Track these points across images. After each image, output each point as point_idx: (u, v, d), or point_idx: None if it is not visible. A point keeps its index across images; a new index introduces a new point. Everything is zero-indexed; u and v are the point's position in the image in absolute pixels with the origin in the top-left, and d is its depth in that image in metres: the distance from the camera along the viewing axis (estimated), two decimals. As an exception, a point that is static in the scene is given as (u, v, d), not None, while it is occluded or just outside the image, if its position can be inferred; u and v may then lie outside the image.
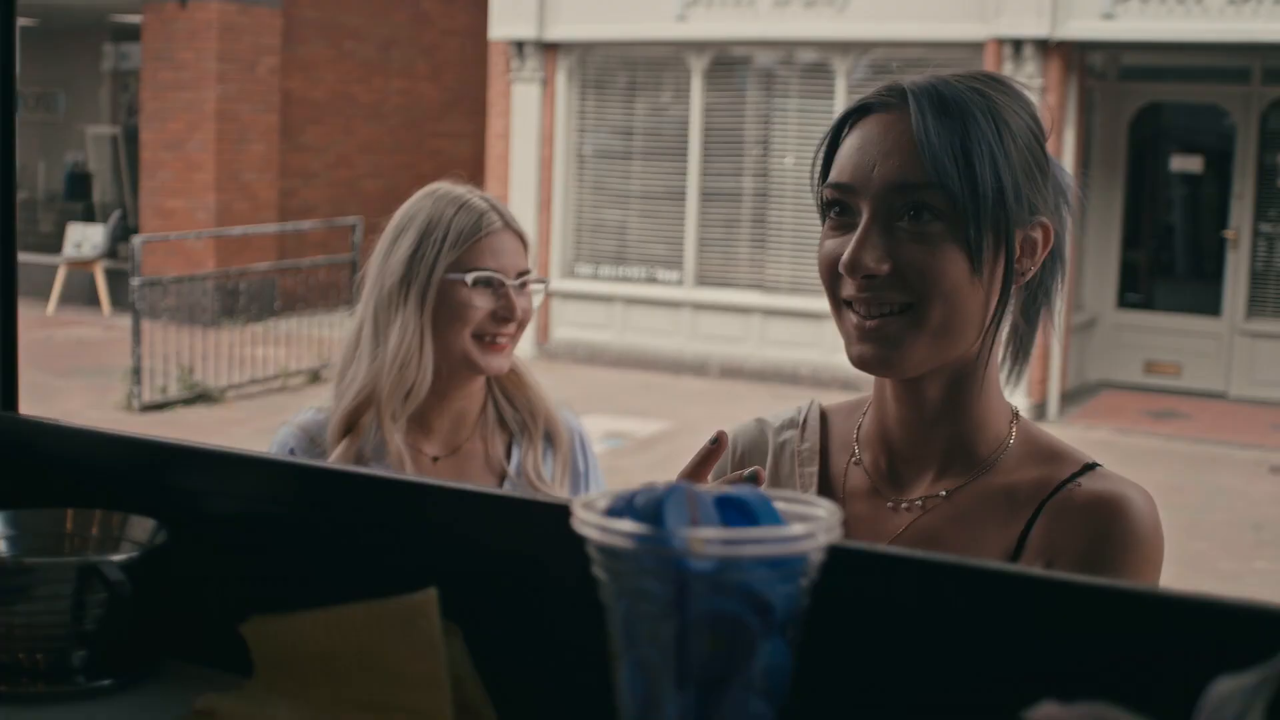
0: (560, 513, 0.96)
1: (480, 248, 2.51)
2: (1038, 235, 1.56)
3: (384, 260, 2.53)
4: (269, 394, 13.30)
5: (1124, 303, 14.72)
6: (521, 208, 15.55)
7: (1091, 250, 14.50)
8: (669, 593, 0.94)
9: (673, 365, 14.81)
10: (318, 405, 2.58)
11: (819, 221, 1.60)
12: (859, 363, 1.53)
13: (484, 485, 2.49)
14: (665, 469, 11.15)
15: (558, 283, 15.50)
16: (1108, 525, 1.51)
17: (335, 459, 2.45)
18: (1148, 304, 14.80)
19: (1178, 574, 8.72)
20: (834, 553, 0.95)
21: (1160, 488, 10.64)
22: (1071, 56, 13.35)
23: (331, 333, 13.99)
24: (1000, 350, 1.61)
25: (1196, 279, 14.79)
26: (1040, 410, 13.32)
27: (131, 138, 18.39)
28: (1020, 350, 1.63)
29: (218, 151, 16.89)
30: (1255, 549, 9.54)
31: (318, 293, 14.86)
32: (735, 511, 0.98)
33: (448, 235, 2.50)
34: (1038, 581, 0.94)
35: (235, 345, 13.57)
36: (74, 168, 19.75)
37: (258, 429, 11.45)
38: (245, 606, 1.24)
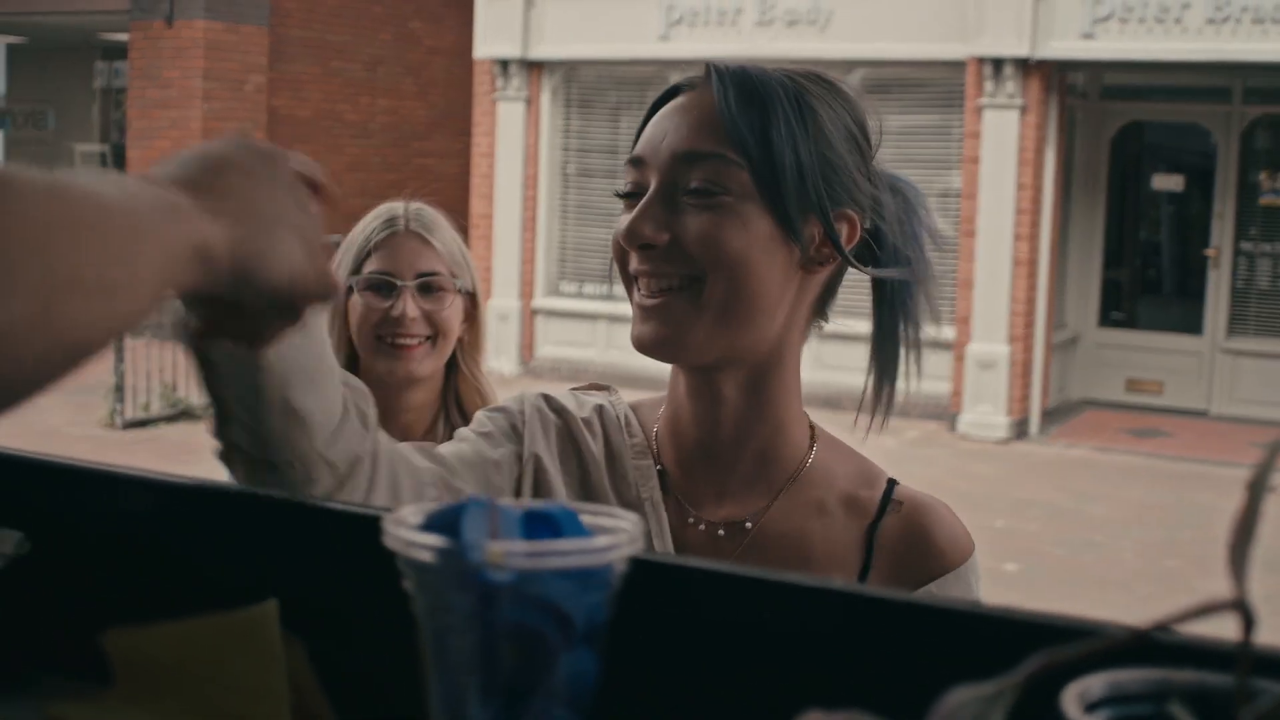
0: (392, 526, 0.98)
1: (378, 252, 2.57)
2: (842, 226, 1.49)
3: None
4: (252, 411, 13.28)
5: (1106, 321, 14.77)
6: (506, 226, 15.58)
7: (1074, 269, 14.55)
8: (470, 605, 0.97)
9: (657, 383, 14.78)
10: None
11: None
12: (639, 345, 1.50)
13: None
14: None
15: (541, 301, 15.54)
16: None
17: None
18: (1130, 322, 14.86)
19: (1153, 591, 8.75)
20: (637, 564, 0.98)
21: (1140, 505, 10.73)
22: (1052, 76, 13.40)
23: (316, 350, 13.97)
24: (802, 354, 1.57)
25: (1179, 297, 14.86)
26: (1022, 427, 13.35)
27: (121, 155, 18.42)
28: (886, 375, 1.59)
29: (204, 169, 16.88)
30: (1231, 567, 9.55)
31: (302, 310, 14.84)
32: (540, 524, 1.01)
33: (355, 244, 2.58)
34: (807, 590, 0.97)
35: (219, 363, 13.57)
36: (63, 185, 19.77)
37: (240, 446, 11.44)
38: (108, 618, 1.27)
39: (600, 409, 1.66)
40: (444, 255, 2.61)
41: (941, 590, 1.52)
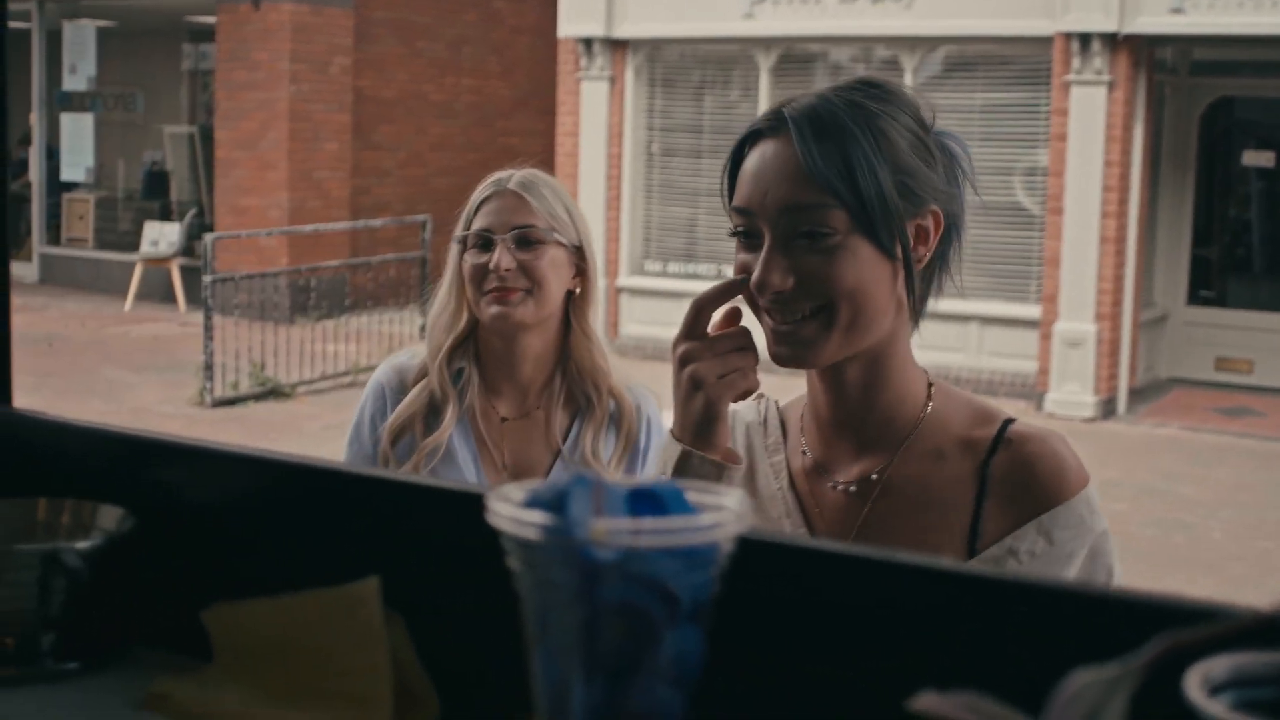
0: (493, 504, 0.98)
1: (481, 211, 2.78)
2: (929, 223, 1.71)
3: None
4: (339, 389, 13.40)
5: (1195, 299, 14.58)
6: (590, 205, 15.59)
7: (1162, 246, 14.38)
8: (575, 582, 0.96)
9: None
10: (413, 350, 2.88)
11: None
12: (777, 360, 1.70)
13: (455, 481, 2.60)
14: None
15: (626, 279, 15.54)
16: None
17: (410, 398, 2.76)
18: (1219, 300, 14.65)
19: (1245, 573, 8.64)
20: (743, 543, 0.97)
21: (1230, 486, 10.59)
22: (1140, 51, 13.23)
23: (401, 329, 14.10)
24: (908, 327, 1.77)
25: (1269, 275, 14.64)
26: (1109, 406, 13.22)
27: (208, 137, 18.59)
28: (916, 310, 1.77)
29: (291, 150, 17.04)
30: (1323, 548, 9.43)
31: (388, 290, 14.98)
32: (646, 502, 1.00)
33: (468, 207, 2.81)
34: (919, 571, 0.96)
35: (306, 341, 13.70)
36: (152, 166, 19.97)
37: (327, 424, 11.55)
38: (209, 593, 1.27)
39: (748, 426, 1.90)
40: (540, 211, 2.75)
41: (1052, 523, 1.67)
